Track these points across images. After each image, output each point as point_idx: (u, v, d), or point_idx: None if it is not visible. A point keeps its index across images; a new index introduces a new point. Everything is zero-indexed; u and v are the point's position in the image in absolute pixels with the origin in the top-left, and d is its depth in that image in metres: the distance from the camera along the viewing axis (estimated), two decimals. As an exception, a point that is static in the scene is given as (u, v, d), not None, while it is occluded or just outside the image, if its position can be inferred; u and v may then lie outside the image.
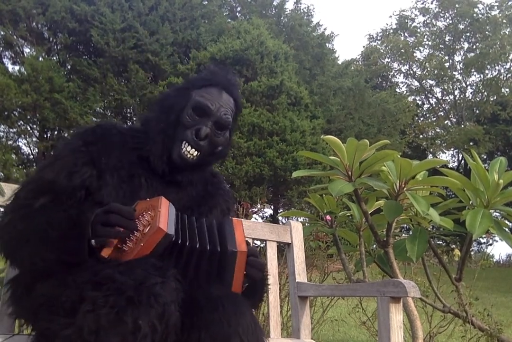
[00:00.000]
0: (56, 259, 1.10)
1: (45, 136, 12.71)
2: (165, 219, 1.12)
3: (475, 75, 20.25)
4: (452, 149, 20.51)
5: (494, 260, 14.17)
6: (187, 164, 1.32)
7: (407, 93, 21.44)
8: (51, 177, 1.23)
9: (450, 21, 20.03)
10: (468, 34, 19.90)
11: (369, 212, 2.02)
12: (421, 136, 20.00)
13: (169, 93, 1.42)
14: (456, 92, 20.47)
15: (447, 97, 21.23)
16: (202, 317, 1.06)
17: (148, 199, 1.20)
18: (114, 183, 1.25)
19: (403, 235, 2.54)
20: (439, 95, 21.46)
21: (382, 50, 20.84)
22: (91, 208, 1.15)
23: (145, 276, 1.00)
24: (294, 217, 6.31)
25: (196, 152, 1.32)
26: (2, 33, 11.76)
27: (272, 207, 13.51)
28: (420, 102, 22.08)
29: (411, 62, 20.70)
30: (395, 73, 21.69)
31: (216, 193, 1.45)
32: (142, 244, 1.08)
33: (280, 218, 11.96)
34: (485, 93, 19.79)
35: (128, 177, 1.28)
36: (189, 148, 1.31)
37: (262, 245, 2.85)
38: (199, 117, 1.33)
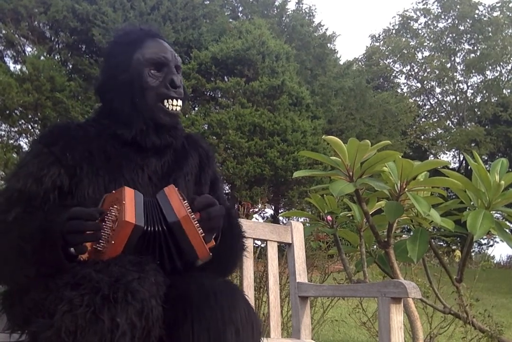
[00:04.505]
0: (36, 273, 1.09)
1: (46, 135, 12.69)
2: (131, 210, 1.09)
3: (476, 76, 20.24)
4: (453, 150, 20.50)
5: (495, 261, 14.15)
6: (176, 118, 1.34)
7: (409, 94, 21.42)
8: (19, 186, 1.21)
9: (451, 22, 20.01)
10: (469, 35, 19.88)
11: (370, 213, 2.01)
12: (422, 137, 19.99)
13: (112, 75, 1.34)
14: (457, 93, 20.45)
15: (448, 98, 21.23)
16: (194, 308, 1.04)
17: (113, 191, 1.17)
18: (88, 174, 1.23)
19: (404, 235, 2.53)
20: (440, 96, 21.46)
21: (384, 51, 20.82)
22: (67, 209, 1.12)
23: (122, 273, 0.99)
24: (295, 217, 6.30)
25: (179, 101, 1.33)
26: (3, 32, 11.74)
27: (273, 207, 13.50)
28: (421, 103, 22.07)
29: (412, 64, 20.69)
30: (397, 74, 21.69)
31: (195, 152, 1.43)
32: (113, 242, 1.06)
33: (280, 218, 11.96)
34: (486, 94, 19.77)
35: (103, 163, 1.26)
36: (174, 102, 1.32)
37: (263, 245, 2.85)
38: (160, 71, 1.32)
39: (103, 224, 1.09)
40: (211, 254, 1.15)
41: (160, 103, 1.31)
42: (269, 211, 13.82)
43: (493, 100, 19.34)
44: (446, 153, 21.26)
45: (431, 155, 20.97)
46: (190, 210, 1.15)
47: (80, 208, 1.10)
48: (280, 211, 13.11)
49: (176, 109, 1.32)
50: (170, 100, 1.31)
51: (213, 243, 1.18)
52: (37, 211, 1.18)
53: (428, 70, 20.34)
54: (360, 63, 20.91)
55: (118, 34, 1.41)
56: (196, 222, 1.13)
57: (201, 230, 1.14)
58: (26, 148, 12.87)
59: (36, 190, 1.20)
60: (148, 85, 1.30)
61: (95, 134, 1.31)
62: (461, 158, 20.36)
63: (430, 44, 20.55)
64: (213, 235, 1.19)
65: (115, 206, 1.11)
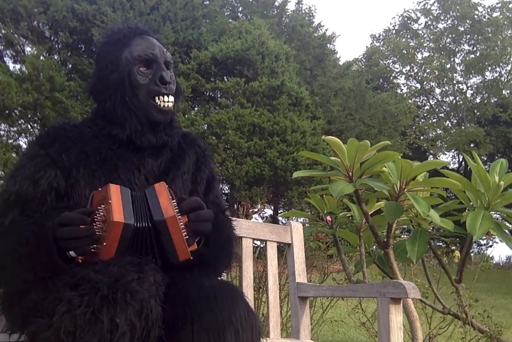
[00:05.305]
0: (34, 277, 1.09)
1: (45, 135, 12.68)
2: (119, 209, 1.07)
3: (475, 77, 20.25)
4: (453, 150, 20.51)
5: (494, 262, 14.15)
6: (169, 115, 1.33)
7: (408, 95, 21.42)
8: (15, 189, 1.21)
9: (451, 23, 20.01)
10: (468, 36, 19.88)
11: (370, 213, 2.01)
12: (421, 137, 19.98)
13: (103, 75, 1.34)
14: (457, 93, 20.44)
15: (448, 99, 21.23)
16: (194, 307, 1.04)
17: (99, 189, 1.15)
18: (84, 175, 1.23)
19: (403, 236, 2.53)
20: (439, 96, 21.47)
21: (383, 51, 20.81)
22: (60, 213, 1.12)
23: (121, 273, 0.99)
24: (294, 217, 6.31)
25: (171, 97, 1.32)
26: (3, 31, 11.73)
27: (272, 207, 13.50)
28: (420, 104, 22.07)
29: (412, 64, 20.69)
30: (397, 75, 21.69)
31: (192, 151, 1.43)
32: (105, 243, 1.06)
33: (280, 218, 11.96)
34: (486, 95, 19.77)
35: (99, 164, 1.25)
36: (166, 98, 1.31)
37: (262, 245, 2.84)
38: (149, 68, 1.32)
39: (93, 224, 1.08)
40: (191, 257, 1.14)
41: (151, 101, 1.30)
42: (269, 211, 13.84)
43: (492, 101, 19.34)
44: (446, 154, 21.29)
45: (431, 156, 20.97)
46: (178, 210, 1.14)
47: (69, 213, 1.10)
48: (279, 211, 13.12)
49: (168, 106, 1.32)
50: (161, 97, 1.31)
51: (195, 247, 1.16)
52: (34, 213, 1.18)
53: (428, 70, 20.33)
54: (359, 63, 20.91)
55: (107, 34, 1.41)
56: (182, 223, 1.12)
57: (185, 233, 1.12)
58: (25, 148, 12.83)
59: (33, 192, 1.20)
60: (138, 83, 1.30)
61: (91, 136, 1.30)
62: (461, 159, 20.37)
63: (430, 44, 20.55)
64: (196, 239, 1.17)
65: (102, 205, 1.10)
